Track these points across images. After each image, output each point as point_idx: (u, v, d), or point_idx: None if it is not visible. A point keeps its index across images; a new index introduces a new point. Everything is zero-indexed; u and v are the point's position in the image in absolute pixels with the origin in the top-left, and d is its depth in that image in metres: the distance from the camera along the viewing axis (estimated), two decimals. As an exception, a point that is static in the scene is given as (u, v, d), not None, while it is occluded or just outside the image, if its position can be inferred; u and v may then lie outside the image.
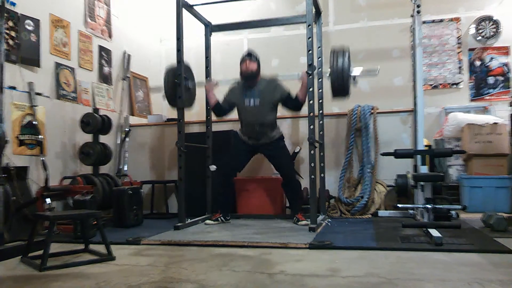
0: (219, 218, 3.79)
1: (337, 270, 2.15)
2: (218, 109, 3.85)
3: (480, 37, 5.17)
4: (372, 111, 4.31)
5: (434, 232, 2.73)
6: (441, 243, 2.59)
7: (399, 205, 3.37)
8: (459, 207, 3.27)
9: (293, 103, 3.69)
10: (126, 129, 4.88)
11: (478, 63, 5.21)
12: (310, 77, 3.31)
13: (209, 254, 2.60)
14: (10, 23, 3.64)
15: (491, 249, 2.53)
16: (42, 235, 3.00)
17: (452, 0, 5.29)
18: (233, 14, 5.24)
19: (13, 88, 3.60)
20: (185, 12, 3.80)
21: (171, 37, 4.11)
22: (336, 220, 3.90)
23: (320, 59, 3.95)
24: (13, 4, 3.68)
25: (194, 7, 4.00)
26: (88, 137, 4.13)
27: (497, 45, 5.17)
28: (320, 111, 3.96)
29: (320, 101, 3.94)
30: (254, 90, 3.69)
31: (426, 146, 4.23)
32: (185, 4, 3.79)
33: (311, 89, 3.31)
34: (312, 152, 3.28)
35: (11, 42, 3.64)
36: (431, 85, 5.30)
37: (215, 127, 4.35)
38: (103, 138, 4.22)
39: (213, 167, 4.03)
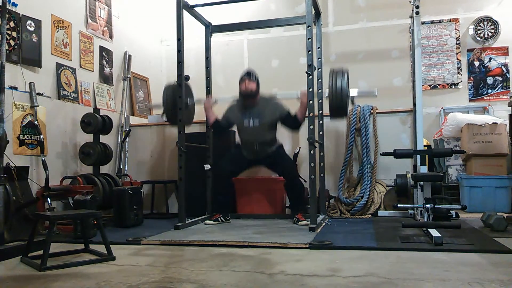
0: (219, 218, 3.80)
1: (337, 270, 2.15)
2: (217, 126, 3.88)
3: (479, 38, 5.18)
4: (372, 111, 4.32)
5: (434, 232, 2.73)
6: (441, 243, 2.60)
7: (399, 205, 3.37)
8: (459, 207, 3.28)
9: (292, 122, 3.72)
10: (127, 129, 4.89)
11: (477, 63, 5.22)
12: (310, 77, 3.31)
13: (209, 254, 2.61)
14: (12, 24, 3.65)
15: (491, 249, 2.53)
16: (42, 235, 3.00)
17: (451, 1, 5.30)
18: (233, 15, 5.25)
19: (14, 88, 3.61)
20: (185, 13, 3.81)
21: (172, 37, 4.13)
22: (336, 220, 3.91)
23: (319, 59, 3.96)
24: (15, 5, 3.69)
25: (195, 8, 4.01)
26: (89, 137, 4.14)
27: (496, 46, 5.18)
28: (320, 111, 3.97)
29: (320, 101, 3.95)
30: (253, 110, 3.71)
31: (425, 146, 4.25)
32: (186, 5, 3.80)
33: (310, 89, 3.32)
34: (312, 152, 3.29)
35: (12, 42, 3.65)
36: (430, 85, 5.31)
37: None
38: (103, 138, 4.23)
39: (207, 166, 4.04)
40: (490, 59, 5.18)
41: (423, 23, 5.14)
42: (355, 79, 5.40)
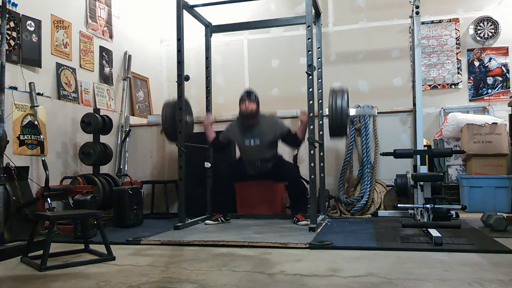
0: (219, 218, 3.80)
1: (337, 270, 2.15)
2: (217, 144, 3.89)
3: (479, 38, 5.18)
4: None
5: (434, 232, 2.73)
6: (441, 243, 2.60)
7: (399, 205, 3.37)
8: (459, 207, 3.28)
9: (293, 141, 3.74)
10: (127, 129, 4.89)
11: (477, 63, 5.22)
12: (310, 77, 3.31)
13: (209, 254, 2.61)
14: (12, 24, 3.65)
15: (491, 249, 2.53)
16: (42, 235, 3.00)
17: (451, 1, 5.30)
18: (233, 15, 5.25)
19: (14, 88, 3.61)
20: (185, 13, 3.81)
21: (172, 37, 4.13)
22: (336, 220, 3.91)
23: (319, 59, 3.96)
24: (15, 4, 3.69)
25: (195, 7, 4.01)
26: (89, 137, 4.14)
27: (496, 46, 5.18)
28: (320, 111, 3.97)
29: (320, 101, 3.95)
30: (254, 129, 3.72)
31: (425, 146, 4.25)
32: (186, 5, 3.80)
33: (310, 89, 3.32)
34: (312, 152, 3.29)
35: (12, 42, 3.65)
36: (430, 85, 5.31)
37: (215, 127, 4.35)
38: (103, 138, 4.23)
39: (207, 164, 4.04)
40: (490, 59, 5.18)
41: (423, 23, 5.14)
42: (355, 79, 5.44)
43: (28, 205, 3.29)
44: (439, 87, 5.30)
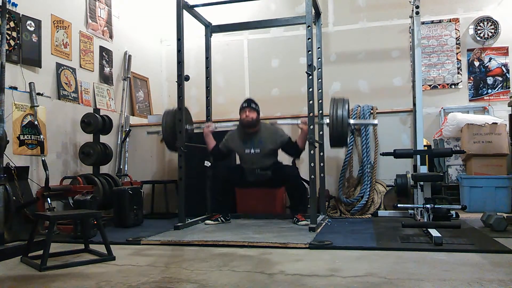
0: (219, 218, 3.80)
1: (337, 270, 2.15)
2: (217, 153, 3.89)
3: (479, 38, 5.18)
4: (372, 111, 4.32)
5: (434, 232, 2.74)
6: (441, 243, 2.60)
7: (399, 205, 3.37)
8: (459, 207, 3.28)
9: (293, 150, 3.74)
10: (127, 129, 4.89)
11: (477, 63, 5.22)
12: (310, 77, 3.31)
13: (209, 254, 2.61)
14: (12, 24, 3.65)
15: (491, 249, 2.53)
16: (42, 235, 3.00)
17: (451, 1, 5.30)
18: (233, 15, 5.25)
19: (14, 88, 3.61)
20: (185, 13, 3.81)
21: (172, 37, 4.13)
22: (336, 220, 3.91)
23: (319, 59, 3.96)
24: (15, 4, 3.69)
25: (195, 7, 4.01)
26: (89, 137, 4.14)
27: (496, 46, 5.18)
28: (320, 111, 3.97)
29: (320, 101, 3.95)
30: (254, 139, 3.73)
31: (425, 146, 4.25)
32: (186, 5, 3.80)
33: (310, 89, 3.32)
34: (312, 152, 3.29)
35: (12, 42, 3.65)
36: (430, 85, 5.31)
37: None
38: (103, 138, 4.23)
39: (207, 163, 4.04)
40: (490, 59, 5.18)
41: (423, 23, 5.13)
42: (355, 79, 5.45)
43: (28, 205, 3.29)
44: (439, 87, 5.30)
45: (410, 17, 4.11)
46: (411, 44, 4.35)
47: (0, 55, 2.80)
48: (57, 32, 4.22)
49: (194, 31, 4.90)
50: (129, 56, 5.31)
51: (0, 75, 2.79)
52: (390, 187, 4.16)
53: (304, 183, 3.86)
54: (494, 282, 1.89)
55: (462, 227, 3.06)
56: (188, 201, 3.75)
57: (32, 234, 2.56)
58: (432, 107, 5.21)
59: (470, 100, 5.22)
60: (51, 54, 4.13)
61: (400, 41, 5.33)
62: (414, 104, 4.05)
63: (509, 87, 5.12)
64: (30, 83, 3.76)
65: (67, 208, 3.84)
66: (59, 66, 4.22)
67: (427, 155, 3.60)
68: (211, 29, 4.39)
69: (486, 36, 5.17)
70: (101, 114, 4.16)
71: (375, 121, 3.88)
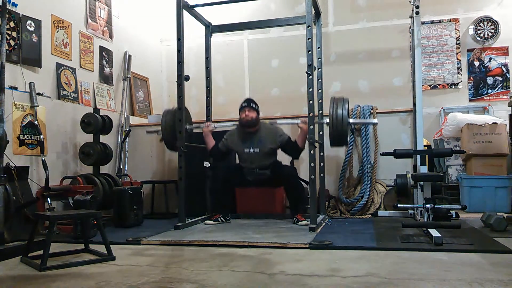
0: (219, 219, 3.80)
1: (337, 270, 2.15)
2: (216, 153, 3.89)
3: (479, 38, 5.18)
4: (372, 111, 4.32)
5: (434, 232, 2.74)
6: (441, 243, 2.60)
7: (399, 205, 3.37)
8: (459, 207, 3.28)
9: (292, 149, 3.74)
10: (127, 129, 4.89)
11: (477, 63, 5.22)
12: (310, 77, 3.31)
13: (209, 254, 2.61)
14: (12, 24, 3.65)
15: (491, 249, 2.53)
16: (42, 235, 3.00)
17: (451, 1, 5.30)
18: (233, 15, 5.25)
19: (14, 88, 3.61)
20: (185, 13, 3.81)
21: (172, 37, 4.12)
22: (336, 220, 3.91)
23: (319, 59, 3.96)
24: (15, 4, 3.69)
25: (195, 7, 4.00)
26: (89, 137, 4.14)
27: (496, 46, 5.18)
28: (320, 111, 3.97)
29: (320, 101, 3.95)
30: (253, 138, 3.73)
31: (425, 146, 4.25)
32: (185, 5, 3.80)
33: (310, 89, 3.32)
34: (312, 152, 3.29)
35: (12, 42, 3.65)
36: (430, 85, 5.30)
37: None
38: (103, 138, 4.23)
39: (207, 163, 4.04)
40: (490, 59, 5.18)
41: (423, 23, 5.13)
42: (355, 79, 5.45)
43: (28, 205, 3.29)
44: (439, 87, 5.30)
45: (410, 17, 4.11)
46: (411, 44, 4.35)
47: (0, 55, 2.80)
48: (57, 32, 4.22)
49: (194, 31, 4.90)
50: (129, 56, 5.31)
51: (0, 75, 2.79)
52: (390, 187, 4.16)
53: (302, 183, 3.86)
54: (494, 282, 1.89)
55: (462, 227, 3.06)
56: (188, 201, 3.75)
57: (32, 234, 2.56)
58: (432, 107, 5.21)
59: (470, 100, 5.22)
60: (51, 54, 4.13)
61: (400, 41, 5.32)
62: (414, 104, 4.05)
63: (509, 87, 5.12)
64: (30, 83, 3.75)
65: (67, 208, 3.83)
66: (59, 66, 4.21)
67: (427, 155, 3.60)
68: (211, 29, 4.39)
69: (486, 36, 5.17)
70: (101, 114, 4.16)
71: (375, 120, 3.89)
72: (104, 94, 4.87)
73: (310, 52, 3.31)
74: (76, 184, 3.79)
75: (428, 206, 3.14)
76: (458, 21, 5.28)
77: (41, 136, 3.73)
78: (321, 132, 3.98)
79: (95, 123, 4.03)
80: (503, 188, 4.14)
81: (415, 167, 3.88)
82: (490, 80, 5.17)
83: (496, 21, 5.14)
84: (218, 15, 4.69)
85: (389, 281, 1.95)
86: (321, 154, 3.96)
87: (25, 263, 2.48)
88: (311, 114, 3.31)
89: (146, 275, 2.16)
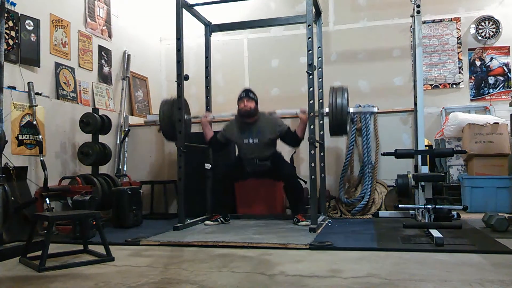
0: (218, 219, 3.78)
1: (338, 271, 2.14)
2: (215, 143, 3.87)
3: (480, 37, 5.16)
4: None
5: (435, 233, 2.72)
6: (442, 243, 2.59)
7: (400, 206, 3.36)
8: (460, 207, 3.27)
9: (292, 139, 3.71)
10: (126, 129, 4.87)
11: (478, 63, 5.20)
12: (310, 76, 3.30)
13: (208, 255, 2.59)
14: (10, 23, 3.63)
15: (492, 249, 2.52)
16: (41, 236, 2.98)
17: (452, 0, 5.29)
18: (233, 14, 5.24)
19: (13, 88, 3.60)
20: (185, 12, 3.79)
21: (171, 36, 4.11)
22: (337, 220, 3.89)
23: (320, 58, 3.94)
24: (13, 4, 3.67)
25: (194, 6, 3.99)
26: (88, 137, 4.12)
27: (497, 45, 5.16)
28: (321, 111, 3.95)
29: (320, 101, 3.93)
30: (252, 128, 3.70)
31: (426, 146, 4.23)
32: (185, 4, 3.79)
33: (311, 89, 3.30)
34: (312, 152, 3.27)
35: (11, 42, 3.63)
36: (431, 85, 5.29)
37: (215, 127, 4.34)
38: (102, 138, 4.21)
39: (208, 166, 4.02)
40: (492, 58, 5.17)
41: (424, 22, 5.12)
42: (356, 78, 5.43)
43: (26, 205, 3.27)
44: (440, 86, 5.28)
45: (411, 16, 4.09)
46: (412, 43, 4.34)
47: (-2, 54, 2.78)
48: (56, 31, 4.20)
49: (193, 30, 4.88)
50: (128, 55, 5.30)
51: (-2, 75, 2.77)
52: (391, 188, 4.14)
53: (301, 182, 3.83)
54: (495, 282, 1.88)
55: (463, 227, 3.05)
56: (188, 201, 3.73)
57: (31, 234, 2.54)
58: (433, 107, 5.20)
59: (471, 100, 5.20)
60: (50, 53, 4.11)
61: (401, 41, 5.31)
62: (415, 104, 4.04)
63: (510, 87, 5.10)
64: (28, 83, 3.74)
65: (66, 208, 3.82)
66: (57, 65, 4.20)
67: (428, 155, 3.58)
68: (210, 28, 4.38)
69: (487, 35, 5.15)
70: (100, 113, 4.15)
71: (375, 109, 3.85)
72: (103, 94, 4.86)
73: (310, 52, 3.30)
74: (75, 184, 3.77)
75: (429, 206, 3.13)
76: (459, 21, 5.26)
77: (40, 136, 3.72)
78: (321, 132, 3.96)
79: (94, 123, 4.01)
80: (505, 189, 4.12)
81: (416, 167, 3.86)
82: (491, 80, 5.16)
83: (497, 20, 5.12)
84: (217, 14, 4.68)
85: (390, 282, 1.93)
86: (322, 154, 3.94)
87: (23, 263, 2.47)
88: (312, 114, 3.30)
89: (146, 276, 2.14)
